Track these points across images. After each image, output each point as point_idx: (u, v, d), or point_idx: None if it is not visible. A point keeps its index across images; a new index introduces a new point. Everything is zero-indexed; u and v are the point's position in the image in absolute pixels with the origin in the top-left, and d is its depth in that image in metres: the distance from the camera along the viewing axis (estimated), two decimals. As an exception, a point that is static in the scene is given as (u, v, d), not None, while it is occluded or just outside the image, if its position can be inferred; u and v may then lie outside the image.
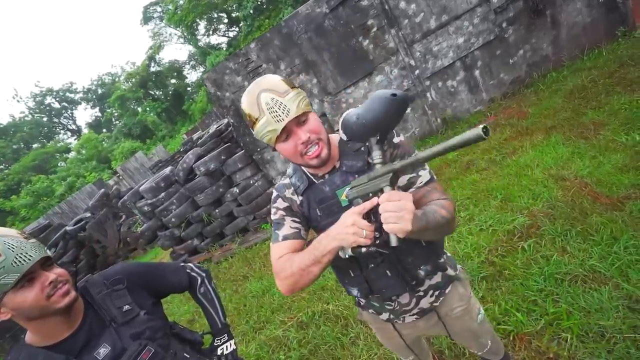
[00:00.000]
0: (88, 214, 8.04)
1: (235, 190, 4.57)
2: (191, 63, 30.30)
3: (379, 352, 2.03)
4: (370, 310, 1.12)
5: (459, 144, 0.60)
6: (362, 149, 0.92)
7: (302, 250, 0.92)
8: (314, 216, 0.97)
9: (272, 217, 1.02)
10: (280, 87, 0.83)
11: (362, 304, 1.12)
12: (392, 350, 1.34)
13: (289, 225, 0.98)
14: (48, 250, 0.88)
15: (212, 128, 5.68)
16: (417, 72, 4.17)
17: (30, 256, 0.81)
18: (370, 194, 0.77)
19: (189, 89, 30.39)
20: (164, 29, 26.80)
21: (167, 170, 5.00)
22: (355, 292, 1.04)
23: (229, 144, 4.81)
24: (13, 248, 0.79)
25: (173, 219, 4.78)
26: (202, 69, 27.09)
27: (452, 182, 3.31)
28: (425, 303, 1.04)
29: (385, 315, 1.09)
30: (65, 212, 12.18)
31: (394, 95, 0.73)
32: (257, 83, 0.84)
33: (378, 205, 0.73)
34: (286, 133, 0.84)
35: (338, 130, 0.96)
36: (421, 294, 1.03)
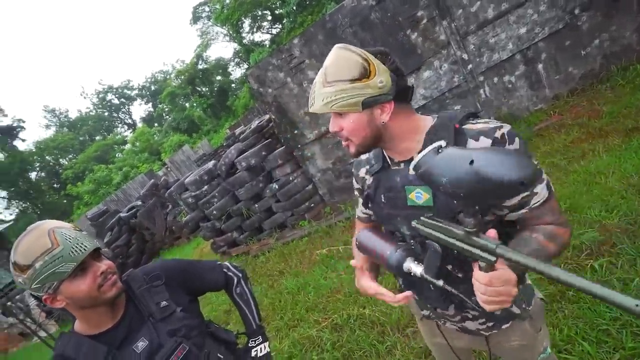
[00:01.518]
0: (139, 202, 8.66)
1: (275, 186, 4.60)
2: (235, 60, 31.40)
3: (418, 367, 1.90)
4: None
5: (603, 299, 0.42)
6: None
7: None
8: (378, 200, 0.91)
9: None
10: (332, 75, 0.74)
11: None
12: (433, 352, 1.23)
13: (361, 210, 1.06)
14: (98, 241, 0.91)
15: (254, 123, 5.78)
16: (469, 66, 3.87)
17: (86, 246, 0.84)
18: (456, 252, 0.65)
19: (233, 85, 31.59)
20: (211, 27, 28.05)
21: (211, 164, 5.19)
22: (400, 281, 1.01)
23: (269, 139, 4.86)
24: (70, 239, 0.83)
25: (214, 212, 4.96)
26: (245, 66, 27.90)
27: (506, 187, 3.02)
28: (471, 325, 0.93)
29: (426, 312, 1.03)
30: (121, 199, 13.27)
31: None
32: (338, 48, 0.76)
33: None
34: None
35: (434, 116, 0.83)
36: (469, 315, 0.91)
